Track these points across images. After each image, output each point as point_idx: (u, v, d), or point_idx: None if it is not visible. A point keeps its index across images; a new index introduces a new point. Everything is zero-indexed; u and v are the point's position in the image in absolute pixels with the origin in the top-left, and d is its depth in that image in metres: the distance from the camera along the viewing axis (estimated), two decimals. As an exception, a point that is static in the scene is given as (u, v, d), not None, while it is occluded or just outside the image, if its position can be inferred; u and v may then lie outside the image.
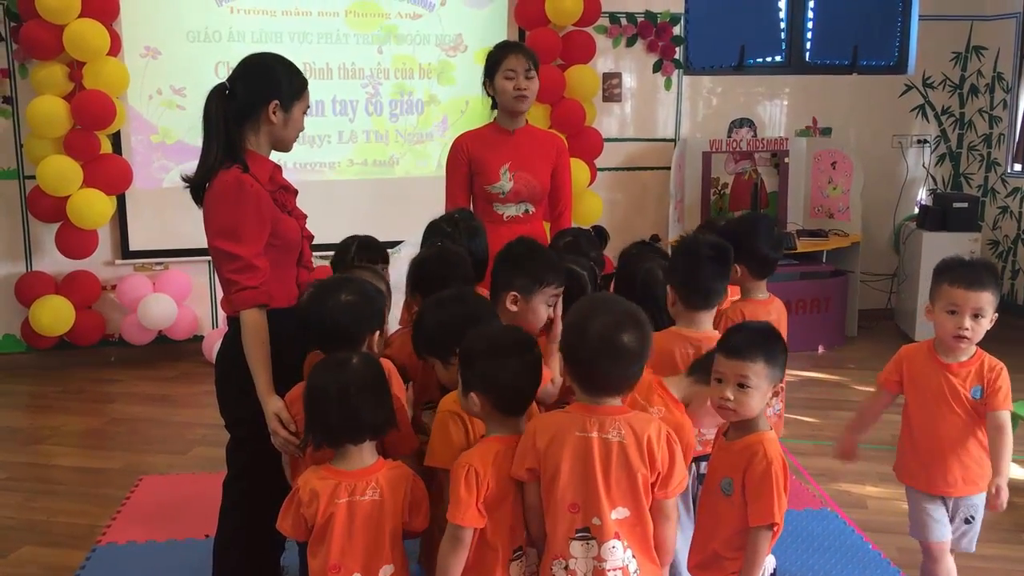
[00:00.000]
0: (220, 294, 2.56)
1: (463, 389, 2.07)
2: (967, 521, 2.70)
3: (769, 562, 2.23)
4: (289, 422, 2.32)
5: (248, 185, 2.37)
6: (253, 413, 2.39)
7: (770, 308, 2.92)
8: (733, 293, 2.92)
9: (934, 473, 2.67)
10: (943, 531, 2.69)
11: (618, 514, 1.95)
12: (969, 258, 2.76)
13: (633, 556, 1.97)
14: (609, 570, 1.95)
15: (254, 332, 2.37)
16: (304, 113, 2.55)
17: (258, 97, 2.44)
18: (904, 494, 3.82)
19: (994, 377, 2.59)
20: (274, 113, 2.45)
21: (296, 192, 2.61)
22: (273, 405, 2.34)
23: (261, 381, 2.37)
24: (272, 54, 2.53)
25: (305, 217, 2.63)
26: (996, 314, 2.59)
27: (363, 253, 3.11)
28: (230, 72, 2.53)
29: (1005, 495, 2.51)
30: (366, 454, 2.08)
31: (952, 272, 2.62)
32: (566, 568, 1.95)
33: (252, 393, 2.38)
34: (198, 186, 2.44)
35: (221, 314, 5.51)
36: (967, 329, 2.56)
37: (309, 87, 2.56)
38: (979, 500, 2.67)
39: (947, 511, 2.70)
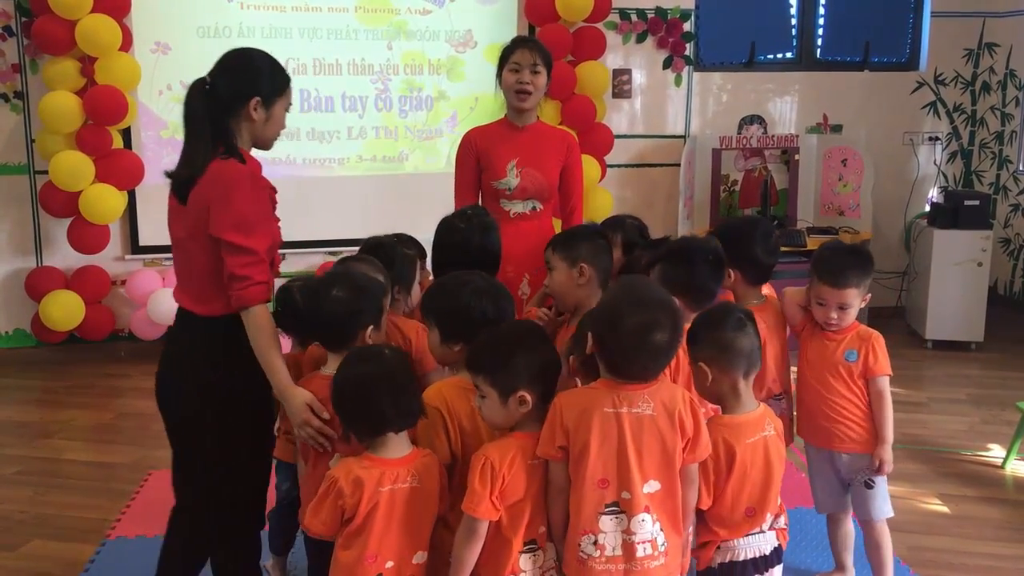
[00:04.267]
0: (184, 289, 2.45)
1: (501, 397, 2.04)
2: (867, 485, 2.84)
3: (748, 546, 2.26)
4: (321, 410, 2.24)
5: (257, 178, 2.34)
6: (217, 411, 2.35)
7: (763, 315, 2.82)
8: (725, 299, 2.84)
9: (830, 432, 2.82)
10: (829, 503, 2.94)
11: (649, 487, 1.98)
12: (842, 247, 2.90)
13: (661, 529, 2.00)
14: (638, 543, 1.97)
15: (267, 327, 2.30)
16: (286, 111, 2.47)
17: (239, 93, 2.36)
18: (912, 493, 3.83)
19: (867, 343, 2.77)
20: (255, 110, 2.37)
21: (276, 191, 2.53)
22: (302, 395, 2.26)
23: (281, 375, 2.29)
24: (255, 49, 2.47)
25: (278, 221, 2.56)
26: (868, 295, 2.79)
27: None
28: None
29: (889, 461, 2.82)
30: (404, 442, 2.10)
31: (819, 266, 2.76)
32: (595, 543, 1.97)
33: (214, 391, 2.34)
34: (186, 182, 2.33)
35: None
36: (834, 320, 2.74)
37: (293, 84, 2.48)
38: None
39: (839, 480, 2.89)
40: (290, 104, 2.48)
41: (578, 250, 2.59)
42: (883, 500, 2.88)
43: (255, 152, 2.49)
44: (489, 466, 1.98)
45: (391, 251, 2.68)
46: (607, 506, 1.97)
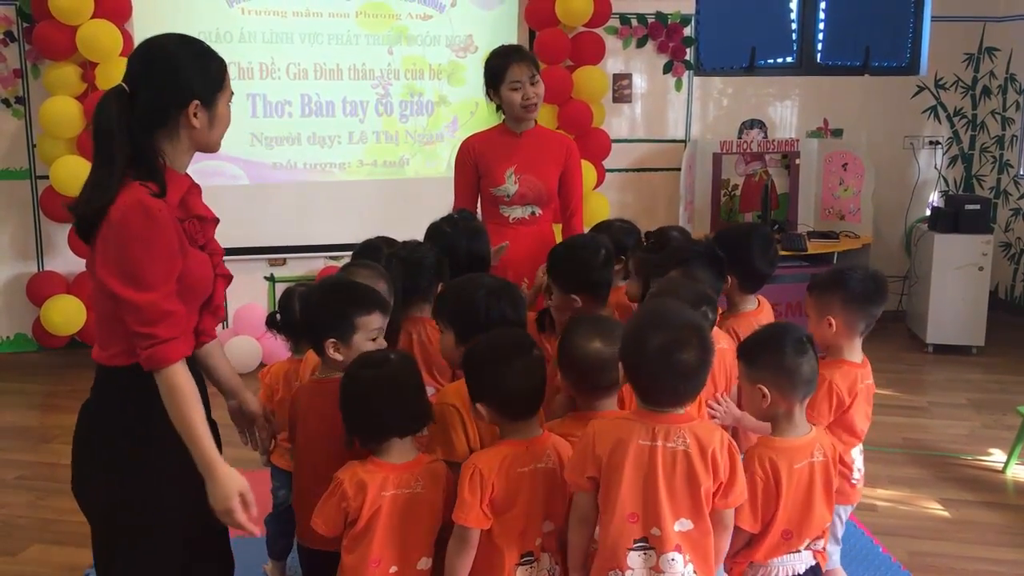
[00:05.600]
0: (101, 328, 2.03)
1: (472, 399, 2.06)
2: None
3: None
4: (252, 504, 1.92)
5: (156, 211, 1.84)
6: (133, 498, 1.97)
7: (760, 319, 2.85)
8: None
9: None
10: None
11: (681, 526, 1.91)
12: (846, 266, 2.82)
13: (695, 571, 1.93)
14: None
15: (184, 391, 1.88)
16: (229, 103, 2.02)
17: (171, 99, 1.91)
18: (912, 497, 3.83)
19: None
20: (195, 115, 1.92)
21: (216, 222, 2.06)
22: (236, 482, 1.90)
23: (207, 449, 1.89)
24: (176, 37, 1.99)
25: (221, 253, 2.09)
26: (830, 320, 2.54)
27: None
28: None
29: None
30: (409, 448, 2.09)
31: None
32: None
33: (127, 471, 1.96)
34: (94, 216, 1.87)
35: (231, 315, 5.54)
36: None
37: (229, 69, 2.04)
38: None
39: None
40: (232, 94, 2.03)
41: None
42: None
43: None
44: (478, 474, 1.97)
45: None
46: (636, 541, 1.92)
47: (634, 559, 1.91)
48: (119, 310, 1.86)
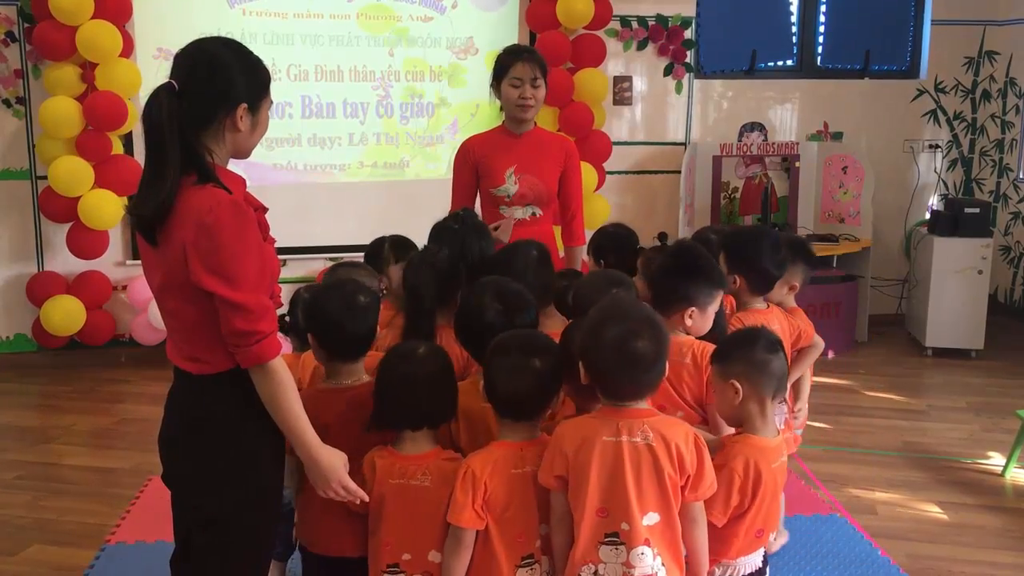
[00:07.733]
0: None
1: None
2: None
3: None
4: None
5: (244, 208, 1.88)
6: (264, 487, 2.06)
7: (770, 318, 2.88)
8: (726, 302, 2.86)
9: None
10: None
11: (649, 520, 1.94)
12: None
13: (663, 564, 1.96)
14: None
15: (288, 382, 1.92)
16: (268, 110, 2.05)
17: (221, 99, 1.91)
18: (911, 501, 3.84)
19: None
20: (242, 119, 1.94)
21: (267, 210, 2.07)
22: (339, 458, 1.99)
23: (310, 437, 1.95)
24: (225, 41, 1.98)
25: (275, 241, 2.09)
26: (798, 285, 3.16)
27: (397, 252, 3.09)
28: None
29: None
30: (422, 441, 2.12)
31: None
32: (595, 573, 1.95)
33: (253, 467, 2.01)
34: (153, 219, 1.87)
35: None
36: None
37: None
38: None
39: None
40: (272, 103, 2.07)
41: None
42: None
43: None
44: (471, 475, 1.99)
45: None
46: (606, 535, 1.95)
47: (606, 552, 1.95)
48: (222, 311, 1.85)
